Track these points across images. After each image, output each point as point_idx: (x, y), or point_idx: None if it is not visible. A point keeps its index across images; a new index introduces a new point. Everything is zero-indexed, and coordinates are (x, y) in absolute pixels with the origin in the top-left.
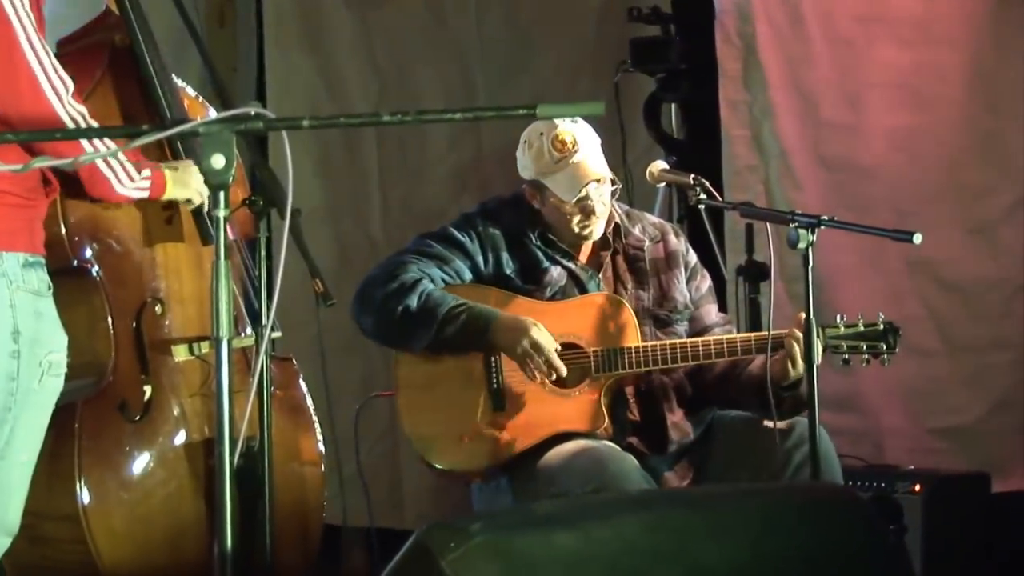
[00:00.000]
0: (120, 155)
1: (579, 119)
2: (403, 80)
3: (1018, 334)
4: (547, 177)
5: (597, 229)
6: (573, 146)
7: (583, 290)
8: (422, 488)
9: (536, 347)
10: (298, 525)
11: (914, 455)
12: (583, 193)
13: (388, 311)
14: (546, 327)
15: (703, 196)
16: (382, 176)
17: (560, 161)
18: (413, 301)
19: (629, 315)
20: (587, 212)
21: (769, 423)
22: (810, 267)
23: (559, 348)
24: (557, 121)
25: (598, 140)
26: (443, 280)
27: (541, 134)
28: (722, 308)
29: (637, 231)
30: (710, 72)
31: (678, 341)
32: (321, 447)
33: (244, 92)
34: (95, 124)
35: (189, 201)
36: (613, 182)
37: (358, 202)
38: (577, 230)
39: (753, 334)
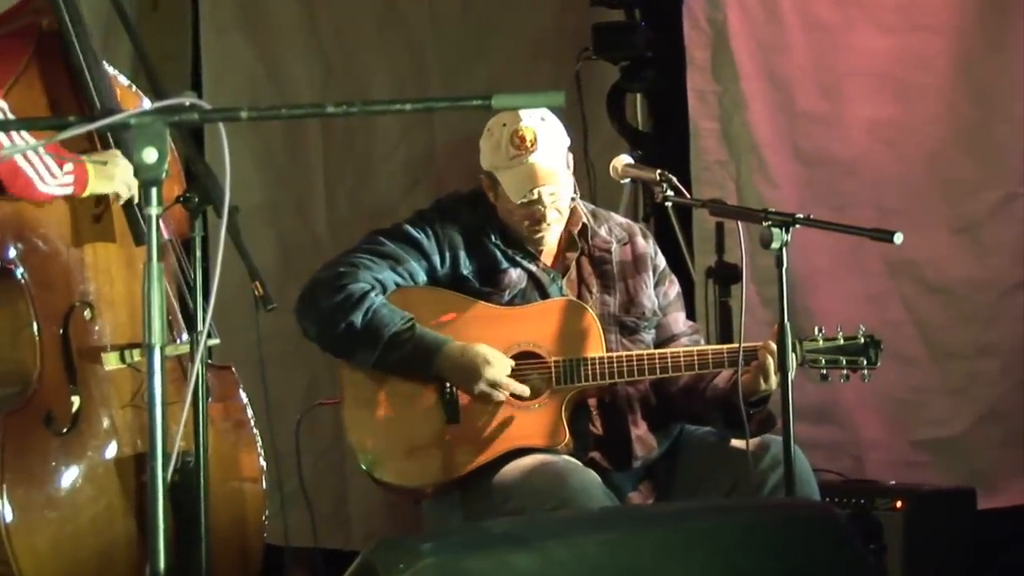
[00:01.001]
0: (40, 150)
1: (552, 116)
2: (350, 67)
3: (1007, 339)
4: (499, 171)
5: (549, 236)
6: (532, 144)
7: (544, 294)
8: (370, 505)
9: (494, 385)
10: (237, 546)
11: (895, 469)
12: (533, 196)
13: (331, 324)
14: (504, 334)
15: (670, 193)
16: (327, 171)
17: (515, 158)
18: (358, 318)
19: (593, 322)
20: (535, 218)
21: (739, 441)
22: (784, 269)
23: (515, 364)
24: (524, 114)
25: (566, 142)
26: (396, 283)
27: (504, 125)
28: (690, 312)
29: (603, 232)
30: (677, 60)
31: (645, 352)
32: (262, 462)
33: (178, 80)
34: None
35: (118, 196)
36: (575, 190)
37: (301, 199)
38: (527, 235)
39: (725, 346)
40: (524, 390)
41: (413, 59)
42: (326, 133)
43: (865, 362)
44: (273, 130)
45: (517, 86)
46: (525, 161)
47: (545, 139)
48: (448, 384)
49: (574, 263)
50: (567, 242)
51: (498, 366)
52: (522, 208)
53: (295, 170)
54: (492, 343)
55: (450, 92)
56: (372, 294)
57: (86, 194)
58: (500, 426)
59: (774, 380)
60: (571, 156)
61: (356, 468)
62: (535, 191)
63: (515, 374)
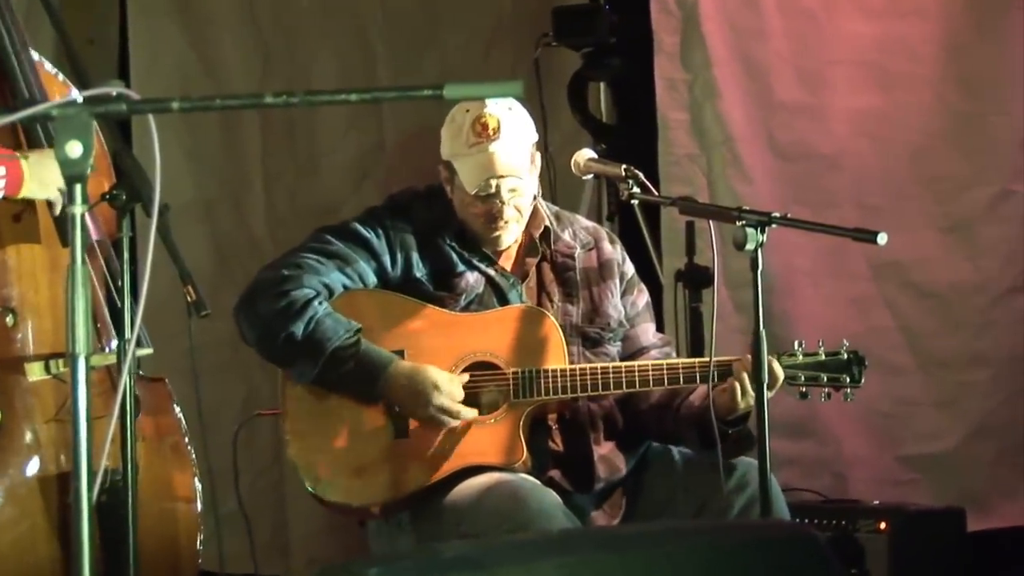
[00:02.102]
0: None
1: (520, 108)
2: (291, 54)
3: (1000, 347)
4: (458, 159)
5: (506, 236)
6: (494, 133)
7: (503, 300)
8: (312, 528)
9: (443, 411)
10: (168, 572)
11: (880, 488)
12: (491, 188)
13: (271, 332)
14: (458, 342)
15: (636, 190)
16: (266, 166)
17: (475, 145)
18: (299, 328)
19: (555, 331)
20: (492, 214)
21: (703, 460)
22: (759, 272)
23: (469, 378)
24: (491, 101)
25: (532, 138)
26: (344, 285)
27: (467, 111)
28: (659, 319)
29: (567, 236)
30: (644, 46)
31: (610, 364)
32: (197, 482)
33: (103, 68)
34: None
35: (51, 204)
36: (537, 192)
37: (238, 196)
38: (482, 232)
39: (697, 359)
40: (474, 413)
41: (359, 45)
42: (265, 125)
43: (848, 380)
44: (207, 122)
45: (472, 75)
46: (485, 149)
47: (509, 129)
48: None
49: (534, 269)
50: (527, 246)
51: (447, 391)
52: (478, 202)
53: (231, 165)
54: (445, 352)
55: (400, 81)
56: (316, 302)
57: (19, 196)
58: (453, 442)
59: (752, 397)
60: (538, 155)
61: (298, 487)
62: (493, 183)
63: (469, 386)
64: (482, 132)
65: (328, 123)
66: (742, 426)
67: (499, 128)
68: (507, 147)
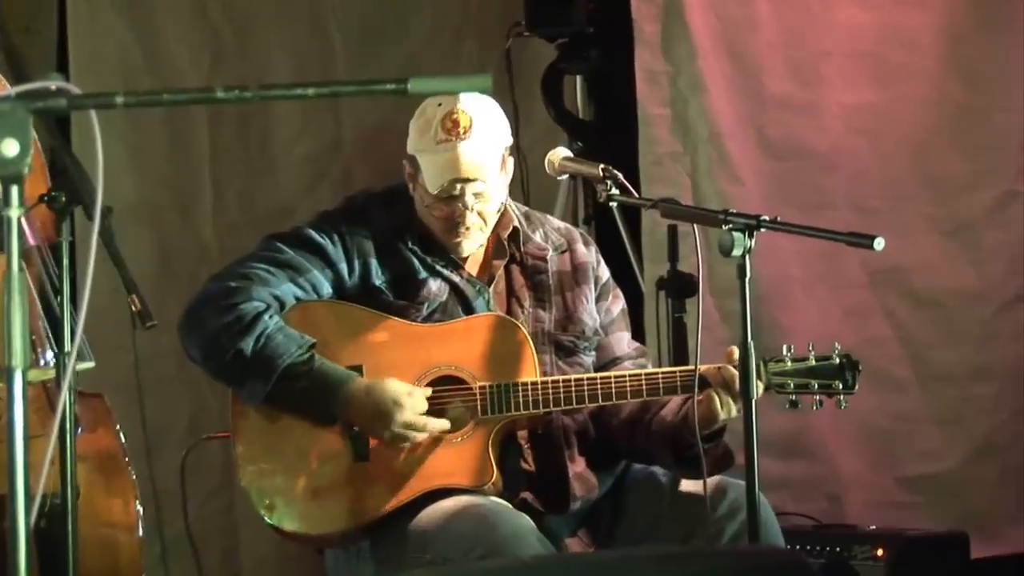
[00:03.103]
0: None
1: (496, 107)
2: (243, 46)
3: (1004, 360)
4: (422, 155)
5: (467, 244)
6: (464, 132)
7: (469, 308)
8: (265, 555)
9: (409, 427)
10: None
11: (877, 511)
12: (452, 189)
13: (218, 349)
14: (421, 356)
15: (615, 191)
16: (215, 167)
17: (442, 142)
18: (248, 344)
19: (525, 342)
20: (455, 217)
21: (693, 484)
22: (748, 279)
23: (433, 393)
24: (465, 97)
25: (506, 141)
26: (296, 297)
27: (439, 105)
28: (639, 330)
29: (538, 237)
30: (624, 36)
31: (584, 376)
32: (139, 506)
33: (41, 60)
34: None
35: None
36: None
37: (184, 199)
38: (442, 234)
39: (678, 368)
40: (444, 425)
41: (316, 36)
42: (214, 123)
43: (841, 386)
44: (152, 119)
45: (438, 68)
46: (453, 148)
47: (481, 129)
48: None
49: (502, 273)
50: (495, 247)
51: (410, 405)
52: (440, 204)
53: (177, 165)
54: (407, 366)
55: (360, 75)
56: (266, 315)
57: None
58: (417, 463)
59: (733, 409)
60: (511, 160)
61: (249, 512)
62: (457, 185)
63: (433, 402)
64: (452, 129)
65: (282, 120)
66: (718, 441)
67: (471, 127)
68: (476, 148)
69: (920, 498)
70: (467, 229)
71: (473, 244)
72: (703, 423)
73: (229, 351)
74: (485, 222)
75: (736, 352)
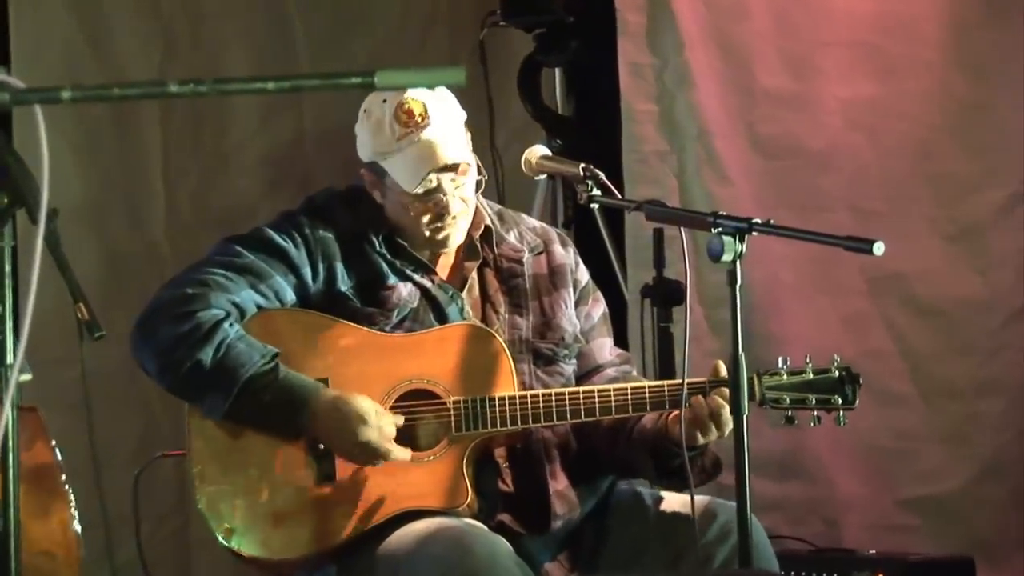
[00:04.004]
0: None
1: (442, 87)
2: (197, 37)
3: (1013, 375)
4: (387, 159)
5: (455, 233)
6: (422, 119)
7: (441, 316)
8: None
9: (368, 449)
10: None
11: (877, 535)
12: (431, 183)
13: (175, 361)
14: (391, 368)
15: (597, 192)
16: (168, 165)
17: (403, 138)
18: (207, 355)
19: (502, 353)
20: (439, 210)
21: (681, 504)
22: (738, 287)
23: (400, 423)
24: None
25: (462, 115)
26: (257, 304)
27: (384, 101)
28: (622, 340)
29: (512, 238)
30: (606, 26)
31: (566, 390)
32: (76, 527)
33: None
34: None
35: None
36: (479, 171)
37: (134, 200)
38: (428, 234)
39: (667, 382)
40: (405, 455)
41: (276, 25)
42: (166, 119)
43: (840, 401)
44: (100, 115)
45: (406, 60)
46: (418, 139)
47: (438, 112)
48: None
49: (475, 276)
50: (466, 249)
51: (376, 424)
52: (419, 202)
53: (127, 164)
54: (376, 379)
55: (323, 68)
56: (226, 324)
57: None
58: (386, 485)
59: (714, 431)
60: (469, 135)
61: (204, 533)
62: (434, 177)
63: (404, 416)
64: (408, 121)
65: (240, 116)
66: (703, 448)
67: (426, 112)
68: (441, 131)
69: (922, 521)
70: (454, 218)
71: (460, 232)
72: (680, 442)
73: (186, 362)
74: (467, 205)
75: (723, 367)
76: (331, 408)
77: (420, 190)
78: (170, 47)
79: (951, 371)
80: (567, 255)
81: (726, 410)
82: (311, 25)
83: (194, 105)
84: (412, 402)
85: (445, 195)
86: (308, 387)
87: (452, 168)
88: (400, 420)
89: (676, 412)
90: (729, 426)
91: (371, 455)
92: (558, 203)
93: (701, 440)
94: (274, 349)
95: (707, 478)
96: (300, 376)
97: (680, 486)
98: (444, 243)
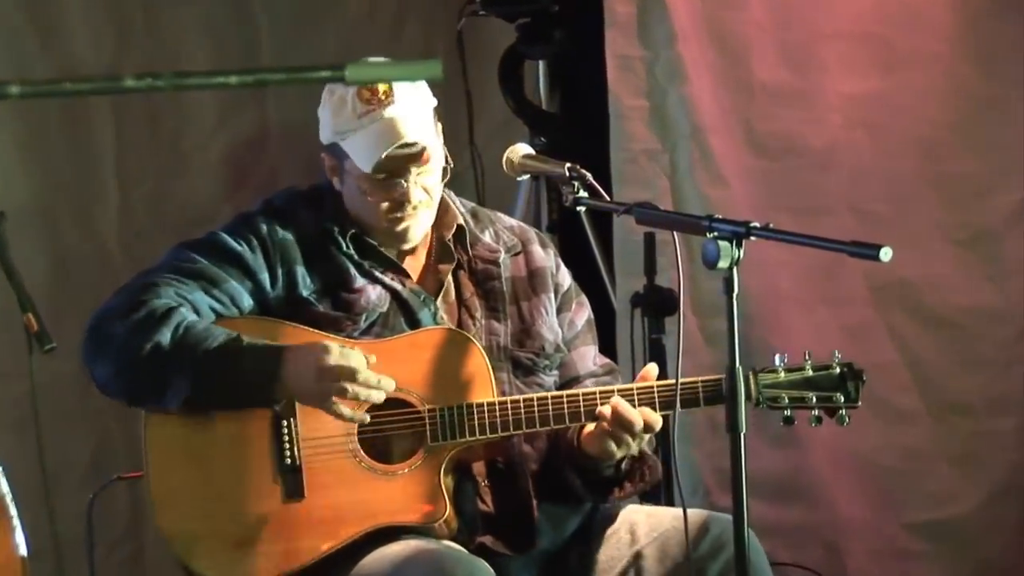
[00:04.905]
0: None
1: None
2: (153, 28)
3: None
4: (346, 137)
5: (416, 226)
6: (386, 96)
7: (413, 321)
8: None
9: (334, 372)
10: None
11: (882, 561)
12: (391, 165)
13: (131, 351)
14: None
15: (583, 194)
16: (121, 165)
17: (366, 114)
18: (166, 336)
19: (480, 358)
20: (398, 197)
21: (669, 517)
22: (735, 295)
23: (372, 360)
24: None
25: (431, 101)
26: (212, 309)
27: None
28: (611, 354)
29: (488, 237)
30: (593, 16)
31: (548, 394)
32: (22, 550)
33: None
34: None
35: None
36: (447, 160)
37: (85, 202)
38: (386, 225)
39: (657, 382)
40: (390, 385)
41: (237, 16)
42: (119, 115)
43: (842, 399)
44: (49, 111)
45: (376, 52)
46: (380, 116)
47: (404, 90)
48: (288, 445)
49: (450, 279)
50: (439, 250)
51: (341, 351)
52: (378, 188)
53: (77, 164)
54: None
55: (289, 61)
56: (182, 309)
57: None
58: (358, 499)
59: (629, 442)
60: (440, 125)
61: (161, 559)
62: (395, 158)
63: (376, 429)
64: (371, 98)
65: (199, 113)
66: (624, 463)
67: (391, 90)
68: (406, 109)
69: (930, 546)
70: (414, 209)
71: (421, 227)
72: (600, 457)
73: (145, 347)
74: (430, 196)
75: (653, 371)
76: (304, 352)
77: (379, 173)
78: (123, 37)
79: (961, 386)
80: (547, 257)
81: (639, 421)
82: (275, 13)
83: (149, 101)
84: (384, 411)
85: (406, 181)
86: (274, 350)
87: (414, 156)
88: (372, 358)
89: (590, 430)
90: (644, 439)
91: (340, 375)
92: (542, 206)
93: (616, 454)
94: (236, 333)
95: (645, 486)
96: (264, 343)
97: (602, 499)
98: (404, 236)
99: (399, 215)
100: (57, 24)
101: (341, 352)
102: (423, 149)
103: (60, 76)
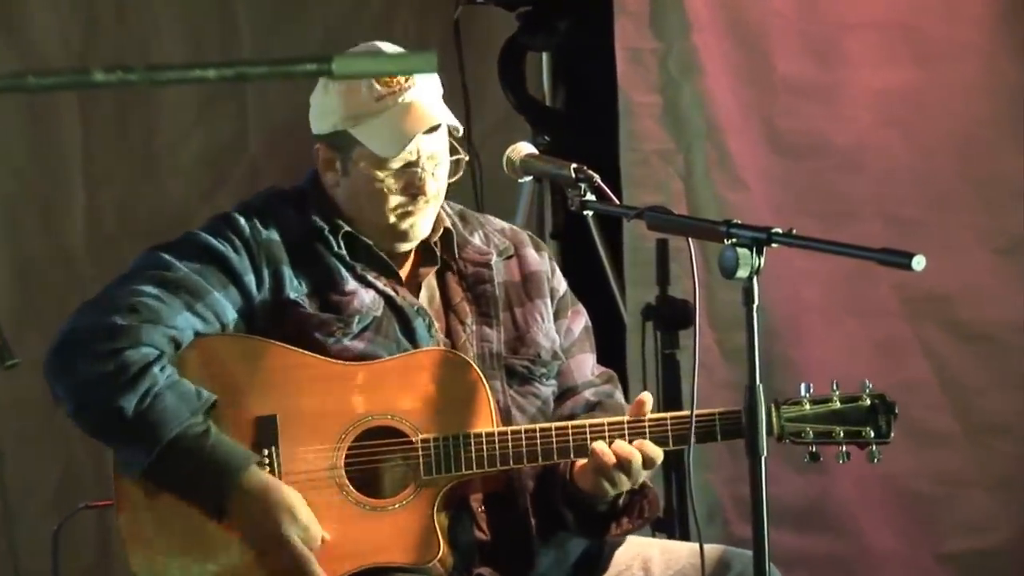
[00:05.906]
0: None
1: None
2: (124, 17)
3: None
4: (361, 123)
5: (421, 223)
6: (407, 80)
7: (407, 328)
8: None
9: (285, 548)
10: None
11: None
12: (412, 155)
13: (93, 403)
14: (350, 402)
15: (591, 197)
16: (88, 166)
17: (384, 98)
18: (130, 403)
19: (479, 384)
20: (414, 189)
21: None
22: (755, 307)
23: (328, 538)
24: (384, 46)
25: (441, 89)
26: (196, 331)
27: None
28: (621, 371)
29: (477, 240)
30: (602, 5)
31: (552, 425)
32: None
33: None
34: None
35: None
36: (456, 150)
37: (49, 205)
38: (393, 220)
39: (670, 414)
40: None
41: (216, 4)
42: (87, 112)
43: (872, 434)
44: (10, 107)
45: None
46: (401, 100)
47: (421, 75)
48: (269, 472)
49: (434, 284)
50: (423, 253)
51: (305, 525)
52: (393, 178)
53: (41, 164)
54: (332, 416)
55: (270, 53)
56: (155, 368)
57: None
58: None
59: (625, 482)
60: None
61: None
62: (418, 145)
63: (365, 462)
64: (390, 82)
65: (173, 110)
66: (622, 498)
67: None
68: (429, 92)
69: None
70: (426, 203)
71: (426, 225)
72: (596, 495)
73: (105, 407)
74: (440, 192)
75: (648, 401)
76: (259, 492)
77: (398, 162)
78: (92, 28)
79: (999, 405)
80: (542, 261)
81: (637, 458)
82: (256, 4)
83: (119, 97)
84: (374, 441)
85: (423, 171)
86: (238, 460)
87: (437, 142)
88: (327, 535)
89: (583, 464)
90: (642, 475)
91: (288, 557)
92: (545, 210)
93: (611, 492)
94: (210, 397)
95: (643, 523)
96: (232, 445)
97: (595, 533)
98: (407, 234)
99: (410, 208)
100: (20, 13)
101: (307, 531)
102: (446, 133)
103: (23, 70)
